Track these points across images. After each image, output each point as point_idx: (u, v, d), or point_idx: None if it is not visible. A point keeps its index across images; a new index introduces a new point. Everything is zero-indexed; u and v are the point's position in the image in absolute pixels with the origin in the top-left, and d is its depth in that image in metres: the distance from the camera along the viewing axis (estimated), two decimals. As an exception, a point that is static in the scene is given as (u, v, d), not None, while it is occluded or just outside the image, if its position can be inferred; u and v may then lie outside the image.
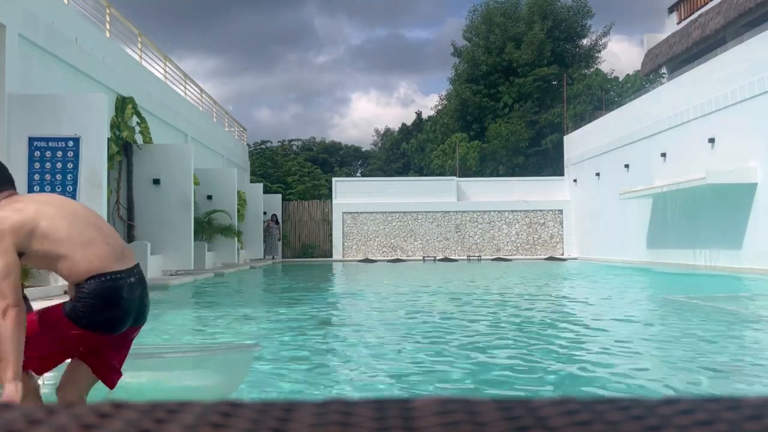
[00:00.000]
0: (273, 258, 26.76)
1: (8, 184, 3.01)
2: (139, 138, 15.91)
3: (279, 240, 27.96)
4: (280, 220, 28.40)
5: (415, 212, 27.92)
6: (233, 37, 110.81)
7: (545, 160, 33.72)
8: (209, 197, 20.75)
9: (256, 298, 12.89)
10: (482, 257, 27.46)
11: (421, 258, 27.40)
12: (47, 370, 3.13)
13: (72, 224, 2.95)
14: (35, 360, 3.00)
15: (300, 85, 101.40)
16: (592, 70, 35.76)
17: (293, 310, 9.52)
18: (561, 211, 27.95)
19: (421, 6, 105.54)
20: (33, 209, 2.90)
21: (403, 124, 45.98)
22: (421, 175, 37.27)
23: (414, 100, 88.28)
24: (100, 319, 2.94)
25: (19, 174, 11.11)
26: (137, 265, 3.19)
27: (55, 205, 3.01)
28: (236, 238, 21.39)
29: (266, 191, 28.09)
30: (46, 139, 11.20)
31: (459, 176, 31.42)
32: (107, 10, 15.55)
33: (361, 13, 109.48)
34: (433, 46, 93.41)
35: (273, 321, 8.44)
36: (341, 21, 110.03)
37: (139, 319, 3.17)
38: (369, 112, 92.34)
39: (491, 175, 33.09)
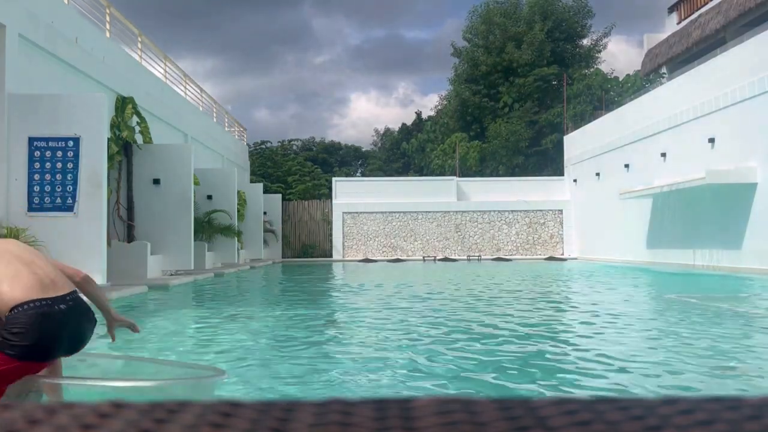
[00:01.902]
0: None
1: None
2: (139, 138, 15.91)
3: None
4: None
5: (415, 212, 27.93)
6: (231, 37, 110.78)
7: (545, 160, 33.73)
8: (209, 197, 20.75)
9: (255, 298, 12.90)
10: (482, 257, 27.46)
11: (421, 258, 27.40)
12: None
13: (3, 259, 3.11)
14: None
15: (299, 85, 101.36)
16: (592, 70, 35.76)
17: (292, 311, 9.52)
18: (561, 211, 27.96)
19: (419, 6, 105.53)
20: None
21: (403, 124, 46.01)
22: (421, 175, 37.27)
23: (413, 101, 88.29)
24: (31, 347, 3.00)
25: (20, 174, 11.12)
26: (72, 293, 3.26)
27: None
28: (236, 238, 21.40)
29: (266, 191, 28.08)
30: (46, 139, 11.20)
31: (459, 176, 31.41)
32: (107, 10, 15.56)
33: (360, 14, 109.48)
34: (432, 46, 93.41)
35: (271, 322, 8.45)
36: (340, 21, 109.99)
37: (74, 347, 3.25)
38: (368, 113, 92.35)
39: (491, 175, 33.09)
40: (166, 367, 4.25)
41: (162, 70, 19.73)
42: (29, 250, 3.38)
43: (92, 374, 4.28)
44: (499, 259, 27.08)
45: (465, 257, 27.53)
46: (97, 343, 5.89)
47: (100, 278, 10.79)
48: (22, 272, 3.12)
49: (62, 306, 3.14)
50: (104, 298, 3.63)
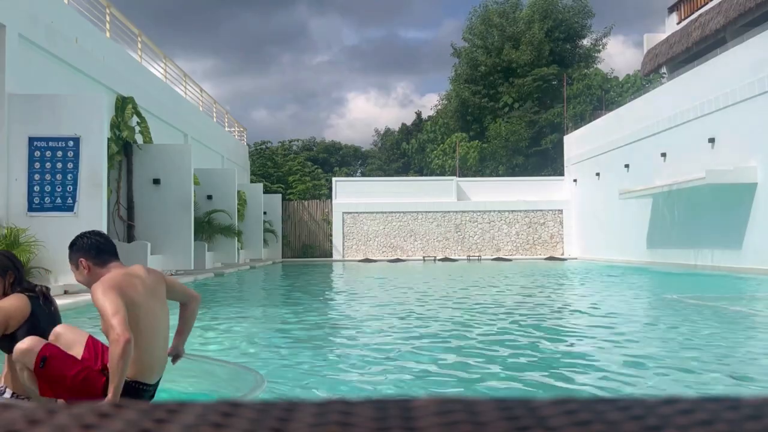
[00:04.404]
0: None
1: (115, 257, 3.34)
2: (139, 138, 15.91)
3: None
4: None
5: (415, 212, 27.92)
6: (228, 38, 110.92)
7: (545, 160, 33.73)
8: (209, 197, 20.74)
9: (255, 299, 12.89)
10: (482, 257, 27.46)
11: (421, 258, 27.40)
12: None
13: (147, 329, 3.18)
14: (54, 388, 3.21)
15: (296, 85, 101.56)
16: (591, 70, 35.77)
17: (293, 311, 9.52)
18: (561, 211, 27.95)
19: (416, 7, 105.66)
20: (129, 292, 3.16)
21: (403, 124, 46.04)
22: (421, 175, 37.27)
23: (412, 101, 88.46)
24: None
25: (19, 174, 11.12)
26: (159, 381, 3.36)
27: (145, 304, 3.22)
28: (236, 238, 21.40)
29: (266, 191, 28.08)
30: (46, 139, 11.20)
31: (459, 176, 31.42)
32: (107, 10, 15.56)
33: (357, 14, 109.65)
34: (430, 46, 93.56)
35: (271, 323, 8.44)
36: (337, 22, 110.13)
37: None
38: (365, 113, 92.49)
39: (491, 175, 33.10)
40: (205, 364, 4.20)
41: (162, 70, 19.73)
42: (167, 318, 3.42)
43: None
44: (499, 259, 27.07)
45: (465, 257, 27.53)
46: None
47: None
48: (155, 352, 3.21)
49: (150, 395, 3.26)
50: (192, 324, 3.67)
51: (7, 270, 3.52)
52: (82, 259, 3.25)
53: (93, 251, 3.26)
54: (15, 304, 3.39)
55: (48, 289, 3.59)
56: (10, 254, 3.66)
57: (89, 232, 3.38)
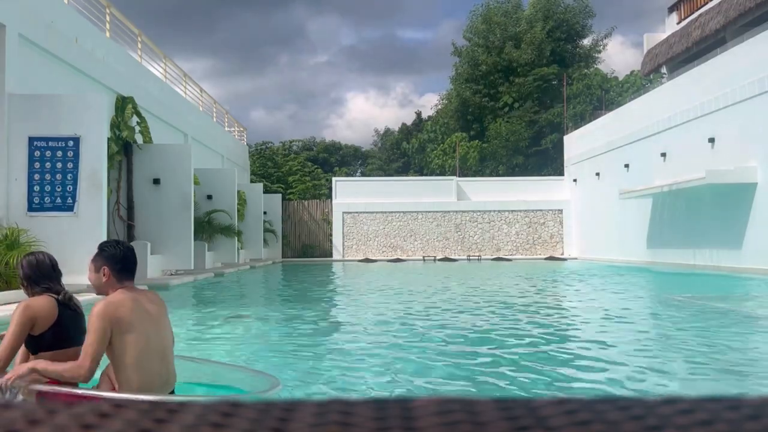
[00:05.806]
0: None
1: (132, 276, 3.46)
2: (139, 138, 15.91)
3: None
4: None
5: (415, 212, 27.92)
6: (227, 38, 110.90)
7: (545, 160, 33.73)
8: (209, 197, 20.75)
9: (256, 299, 12.89)
10: (482, 257, 27.46)
11: (421, 258, 27.40)
12: None
13: (137, 345, 3.25)
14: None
15: (295, 86, 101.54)
16: (591, 69, 35.76)
17: (293, 311, 9.52)
18: (561, 211, 27.95)
19: (414, 7, 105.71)
20: (121, 311, 3.27)
21: (403, 124, 46.03)
22: (421, 175, 37.26)
23: (411, 101, 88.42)
24: None
25: (19, 174, 11.11)
26: (172, 392, 3.41)
27: (137, 324, 3.29)
28: (236, 238, 21.40)
29: (266, 191, 28.09)
30: (46, 139, 11.20)
31: (459, 176, 31.41)
32: (107, 10, 15.56)
33: (355, 14, 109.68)
34: (429, 46, 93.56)
35: (272, 322, 8.44)
36: (335, 22, 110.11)
37: None
38: (364, 113, 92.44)
39: (491, 175, 33.09)
40: (222, 369, 4.18)
41: (161, 70, 19.72)
42: (170, 338, 3.49)
43: None
44: (499, 258, 27.07)
45: (465, 257, 27.53)
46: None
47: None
48: (148, 367, 3.26)
49: None
50: None
51: (21, 280, 3.69)
52: (106, 267, 3.37)
53: (118, 265, 3.39)
54: (44, 306, 3.52)
55: (71, 296, 3.69)
56: (29, 262, 3.71)
57: (123, 244, 3.50)
